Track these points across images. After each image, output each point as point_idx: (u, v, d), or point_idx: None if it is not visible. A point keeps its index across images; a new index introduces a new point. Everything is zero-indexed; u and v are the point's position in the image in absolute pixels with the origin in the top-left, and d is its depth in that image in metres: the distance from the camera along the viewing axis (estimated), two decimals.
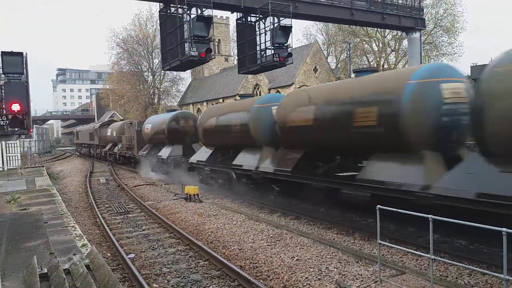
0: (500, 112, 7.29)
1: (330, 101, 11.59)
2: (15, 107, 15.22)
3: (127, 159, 31.29)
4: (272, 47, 17.60)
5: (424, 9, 28.23)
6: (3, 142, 25.06)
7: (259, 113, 14.71)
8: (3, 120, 15.47)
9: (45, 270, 6.59)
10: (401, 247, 7.53)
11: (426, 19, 29.57)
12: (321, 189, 12.98)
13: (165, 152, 22.59)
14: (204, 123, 18.77)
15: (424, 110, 8.90)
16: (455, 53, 44.88)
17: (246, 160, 15.18)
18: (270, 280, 7.29)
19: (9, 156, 28.30)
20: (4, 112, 15.47)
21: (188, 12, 16.20)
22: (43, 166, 29.60)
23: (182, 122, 23.10)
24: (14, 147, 28.60)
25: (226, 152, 17.35)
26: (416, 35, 23.73)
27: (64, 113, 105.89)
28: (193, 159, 19.02)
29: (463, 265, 6.49)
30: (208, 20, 16.13)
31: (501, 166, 7.34)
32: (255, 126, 14.71)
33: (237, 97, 45.29)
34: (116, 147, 33.36)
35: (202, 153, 18.88)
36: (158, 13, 18.64)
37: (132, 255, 8.90)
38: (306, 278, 7.19)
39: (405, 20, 23.13)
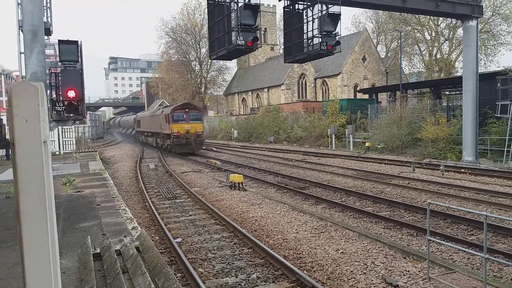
0: None
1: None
2: (71, 93, 15.94)
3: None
4: (320, 35, 17.25)
5: None
6: (60, 127, 26.42)
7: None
8: (59, 106, 16.27)
9: (98, 250, 6.92)
10: (451, 245, 7.24)
11: (483, 6, 27.93)
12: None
13: None
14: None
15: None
16: None
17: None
18: (314, 271, 7.25)
19: (65, 141, 29.90)
20: (61, 98, 16.27)
21: (236, 0, 16.22)
22: (96, 151, 31.01)
23: None
24: (69, 132, 30.17)
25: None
26: (473, 23, 22.36)
27: (116, 100, 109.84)
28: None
29: None
30: (255, 8, 16.06)
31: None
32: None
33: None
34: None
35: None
36: (206, 2, 18.76)
37: (179, 239, 9.14)
38: (351, 271, 7.09)
39: (461, 7, 21.86)
